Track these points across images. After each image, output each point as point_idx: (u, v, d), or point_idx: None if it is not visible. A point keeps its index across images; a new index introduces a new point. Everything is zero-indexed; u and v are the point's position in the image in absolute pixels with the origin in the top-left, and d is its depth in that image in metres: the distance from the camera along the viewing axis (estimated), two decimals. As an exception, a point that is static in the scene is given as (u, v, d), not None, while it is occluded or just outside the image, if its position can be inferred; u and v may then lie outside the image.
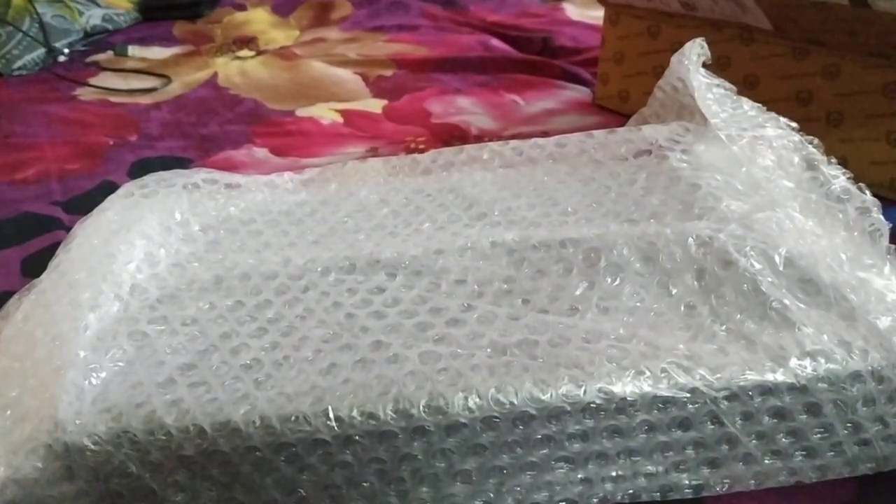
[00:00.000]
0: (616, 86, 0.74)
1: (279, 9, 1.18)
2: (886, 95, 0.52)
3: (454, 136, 0.71)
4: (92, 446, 0.29)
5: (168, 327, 0.35)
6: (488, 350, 0.31)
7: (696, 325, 0.32)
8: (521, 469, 0.30)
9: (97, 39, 1.06)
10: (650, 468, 0.31)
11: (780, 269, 0.34)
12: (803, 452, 0.31)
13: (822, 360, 0.30)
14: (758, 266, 0.34)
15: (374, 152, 0.68)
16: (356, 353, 0.32)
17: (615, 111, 0.74)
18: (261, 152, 0.69)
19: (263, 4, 1.20)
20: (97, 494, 0.30)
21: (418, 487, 0.30)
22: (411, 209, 0.44)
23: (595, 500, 0.31)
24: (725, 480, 0.32)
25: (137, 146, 0.72)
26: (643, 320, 0.33)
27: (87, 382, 0.31)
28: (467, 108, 0.77)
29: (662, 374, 0.29)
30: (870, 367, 0.30)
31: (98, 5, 1.09)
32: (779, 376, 0.30)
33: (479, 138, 0.70)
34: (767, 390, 0.30)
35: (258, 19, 1.14)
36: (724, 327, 0.32)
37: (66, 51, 0.99)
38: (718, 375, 0.29)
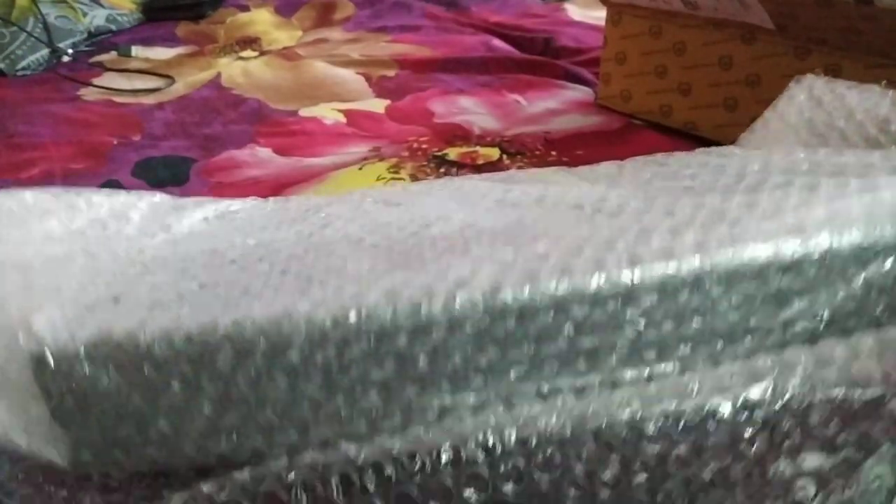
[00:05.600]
0: (618, 85, 0.74)
1: (282, 9, 1.19)
2: (888, 94, 0.52)
3: (457, 135, 0.71)
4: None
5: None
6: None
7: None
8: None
9: (101, 40, 1.07)
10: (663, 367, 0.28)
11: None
12: None
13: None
14: None
15: (377, 152, 0.68)
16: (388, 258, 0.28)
17: (617, 111, 0.75)
18: (264, 152, 0.70)
19: (266, 5, 1.21)
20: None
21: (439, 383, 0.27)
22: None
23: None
24: None
25: (141, 146, 0.72)
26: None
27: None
28: (470, 108, 0.78)
29: (658, 258, 0.25)
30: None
31: (101, 6, 1.10)
32: (798, 248, 0.25)
33: (482, 138, 0.70)
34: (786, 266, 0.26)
35: (261, 20, 1.14)
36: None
37: (70, 51, 0.99)
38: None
